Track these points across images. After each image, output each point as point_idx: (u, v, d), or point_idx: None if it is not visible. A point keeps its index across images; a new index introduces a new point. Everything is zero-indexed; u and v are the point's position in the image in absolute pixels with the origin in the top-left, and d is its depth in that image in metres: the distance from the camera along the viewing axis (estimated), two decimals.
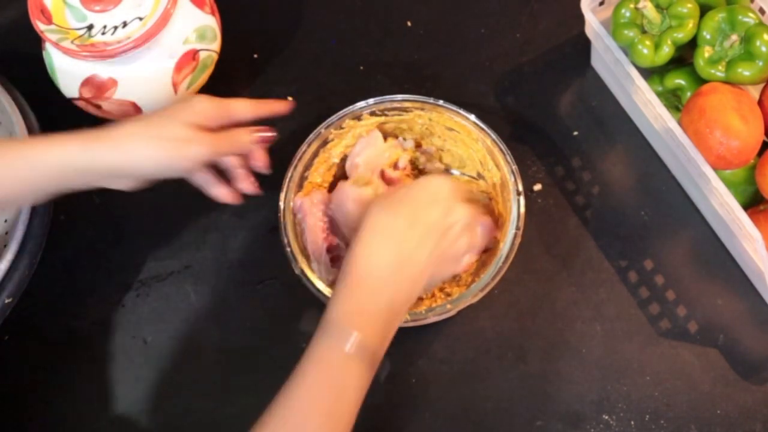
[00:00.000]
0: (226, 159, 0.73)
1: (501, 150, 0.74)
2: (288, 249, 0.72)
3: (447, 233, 0.64)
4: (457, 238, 0.65)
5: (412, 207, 0.63)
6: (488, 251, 0.75)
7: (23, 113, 0.78)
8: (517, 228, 0.71)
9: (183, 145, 0.64)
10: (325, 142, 0.77)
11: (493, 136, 0.75)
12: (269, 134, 0.71)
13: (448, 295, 0.74)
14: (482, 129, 0.75)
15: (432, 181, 0.67)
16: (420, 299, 0.75)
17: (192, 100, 0.68)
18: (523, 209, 0.72)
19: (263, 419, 0.57)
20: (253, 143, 0.70)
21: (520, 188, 0.73)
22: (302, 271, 0.71)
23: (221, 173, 0.73)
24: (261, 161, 0.72)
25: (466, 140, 0.77)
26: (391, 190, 0.68)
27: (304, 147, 0.76)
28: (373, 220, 0.62)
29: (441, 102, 0.76)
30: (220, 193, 0.72)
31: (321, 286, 0.70)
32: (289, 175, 0.75)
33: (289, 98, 0.88)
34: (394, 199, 0.64)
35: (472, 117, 0.76)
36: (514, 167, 0.74)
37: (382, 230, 0.61)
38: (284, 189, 0.74)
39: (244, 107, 0.71)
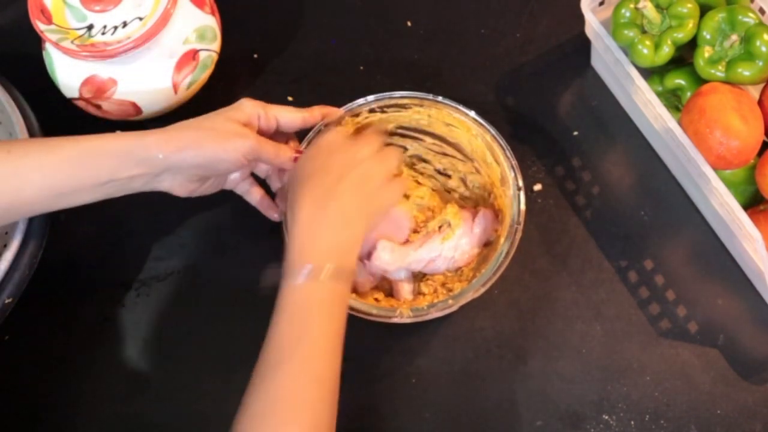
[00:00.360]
0: (265, 168, 0.76)
1: (500, 145, 0.74)
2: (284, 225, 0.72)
3: (356, 166, 0.68)
4: (368, 167, 0.69)
5: (317, 164, 0.69)
6: (489, 245, 0.75)
7: (23, 113, 0.78)
8: (518, 223, 0.71)
9: (230, 136, 0.67)
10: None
11: (493, 132, 0.75)
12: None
13: (450, 290, 0.74)
14: (481, 125, 0.75)
15: (323, 137, 0.72)
16: (422, 294, 0.75)
17: (240, 102, 0.71)
18: (523, 205, 0.72)
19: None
20: (291, 159, 0.72)
21: (521, 183, 0.73)
22: None
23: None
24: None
25: (465, 136, 0.77)
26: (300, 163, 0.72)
27: (304, 144, 0.75)
28: (293, 196, 0.67)
29: (440, 98, 0.76)
30: (263, 202, 0.76)
31: None
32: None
33: (289, 98, 0.88)
34: (303, 168, 0.69)
35: (472, 113, 0.75)
36: (514, 162, 0.74)
37: (303, 196, 0.66)
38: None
39: (290, 115, 0.73)
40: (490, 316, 0.78)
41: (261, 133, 0.71)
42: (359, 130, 0.79)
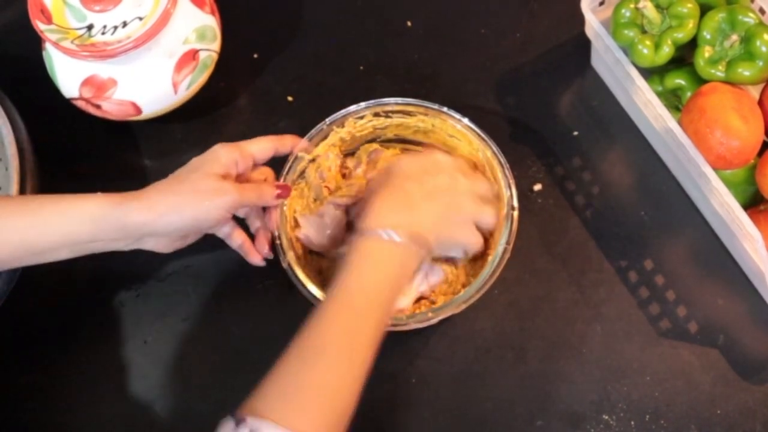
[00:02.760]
0: (245, 209, 0.74)
1: (500, 162, 0.73)
2: (278, 242, 0.72)
3: (453, 195, 0.69)
4: (462, 201, 0.70)
5: (419, 172, 0.70)
6: (483, 257, 0.74)
7: (9, 116, 0.76)
8: (507, 243, 0.70)
9: (210, 196, 0.65)
10: (325, 138, 0.77)
11: (494, 148, 0.74)
12: (288, 190, 0.73)
13: (433, 302, 0.73)
14: (483, 140, 0.75)
15: (437, 154, 0.73)
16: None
17: (216, 152, 0.69)
18: (515, 225, 0.71)
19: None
20: (275, 197, 0.71)
21: (515, 204, 0.72)
22: (289, 265, 0.71)
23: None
24: (265, 248, 0.73)
25: (466, 149, 0.77)
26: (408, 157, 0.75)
27: (282, 179, 0.75)
28: (386, 179, 0.69)
29: (445, 108, 0.76)
30: (244, 246, 0.74)
31: (306, 280, 0.70)
32: (288, 165, 0.75)
33: (289, 98, 0.88)
34: (404, 168, 0.70)
35: (476, 128, 0.75)
36: (512, 181, 0.72)
37: (393, 191, 0.68)
38: (282, 178, 0.74)
39: (262, 146, 0.72)
40: (490, 316, 0.78)
41: (240, 175, 0.70)
42: (359, 139, 0.79)
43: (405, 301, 0.72)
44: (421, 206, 0.67)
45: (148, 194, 0.65)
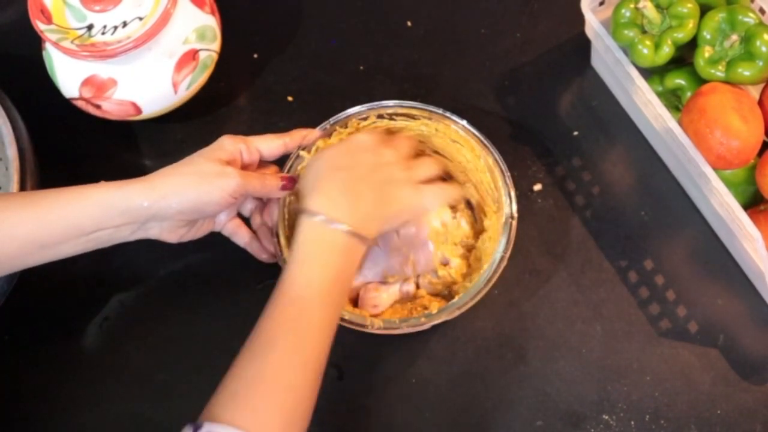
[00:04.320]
0: (249, 207, 0.75)
1: (501, 171, 0.74)
2: (275, 239, 0.72)
3: (380, 169, 0.70)
4: (392, 172, 0.70)
5: (343, 160, 0.70)
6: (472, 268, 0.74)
7: (10, 116, 0.77)
8: (504, 252, 0.70)
9: (212, 178, 0.66)
10: (328, 137, 0.77)
11: (496, 156, 0.74)
12: (293, 181, 0.73)
13: (425, 308, 0.73)
14: (486, 147, 0.74)
15: (355, 136, 0.73)
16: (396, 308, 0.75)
17: (220, 140, 0.70)
18: (513, 234, 0.71)
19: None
20: (280, 188, 0.71)
21: (515, 213, 0.72)
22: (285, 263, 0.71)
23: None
24: (272, 246, 0.74)
25: (468, 155, 0.77)
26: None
27: (284, 171, 0.75)
28: (311, 185, 0.68)
29: (449, 114, 0.76)
30: (252, 244, 0.75)
31: None
32: (289, 164, 0.75)
33: (289, 98, 0.88)
34: (327, 160, 0.70)
35: (479, 134, 0.75)
36: (512, 190, 0.73)
37: (320, 189, 0.67)
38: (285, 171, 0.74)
39: (271, 144, 0.73)
40: (490, 316, 0.78)
41: (245, 166, 0.71)
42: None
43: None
44: (358, 193, 0.67)
45: (150, 177, 0.66)
